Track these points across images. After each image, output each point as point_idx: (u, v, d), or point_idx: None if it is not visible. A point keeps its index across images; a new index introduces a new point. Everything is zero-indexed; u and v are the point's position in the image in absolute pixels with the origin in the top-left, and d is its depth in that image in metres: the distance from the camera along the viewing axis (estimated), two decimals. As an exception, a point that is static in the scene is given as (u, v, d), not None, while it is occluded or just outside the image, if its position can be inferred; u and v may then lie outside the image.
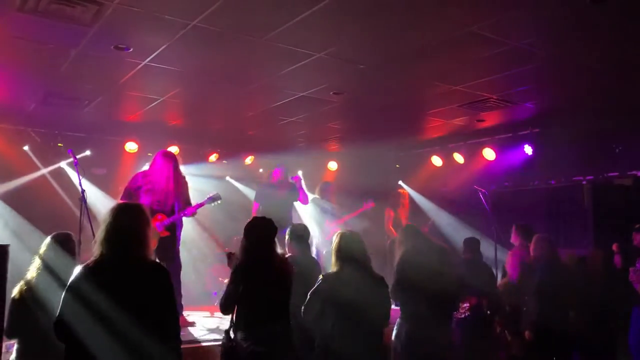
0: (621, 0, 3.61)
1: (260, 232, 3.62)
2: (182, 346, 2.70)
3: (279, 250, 3.73)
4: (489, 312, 4.99)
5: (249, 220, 3.80)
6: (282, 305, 3.50)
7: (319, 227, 7.56)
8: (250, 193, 8.52)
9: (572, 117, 6.93)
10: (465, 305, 4.93)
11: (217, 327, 5.47)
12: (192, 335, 4.96)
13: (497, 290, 5.45)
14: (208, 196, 5.63)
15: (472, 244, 5.57)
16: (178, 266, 5.51)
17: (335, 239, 3.77)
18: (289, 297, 3.54)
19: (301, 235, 4.46)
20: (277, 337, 3.40)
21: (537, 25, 4.13)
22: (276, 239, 3.67)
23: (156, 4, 3.80)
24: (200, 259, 8.15)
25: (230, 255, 3.83)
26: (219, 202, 5.65)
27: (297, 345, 3.58)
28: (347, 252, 3.61)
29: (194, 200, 5.68)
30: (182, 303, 5.51)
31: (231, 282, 3.53)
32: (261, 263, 3.50)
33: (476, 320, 4.96)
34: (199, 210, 5.58)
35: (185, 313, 5.56)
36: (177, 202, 5.49)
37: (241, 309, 3.49)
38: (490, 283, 5.37)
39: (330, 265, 3.81)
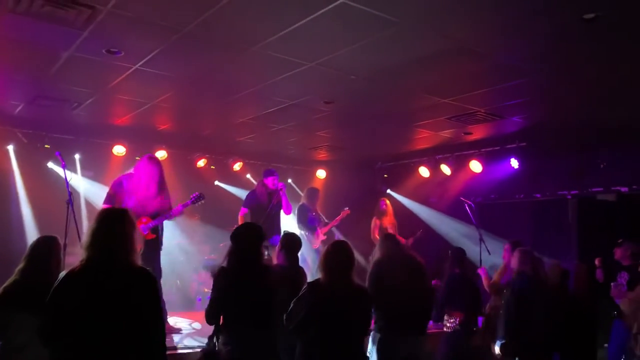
0: (610, 17, 3.69)
1: (249, 238, 3.63)
2: (167, 353, 2.68)
3: (266, 257, 3.74)
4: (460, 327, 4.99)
5: (237, 225, 3.81)
6: (264, 312, 3.49)
7: (303, 234, 7.57)
8: (239, 197, 8.46)
9: (558, 132, 7.03)
10: (452, 320, 4.93)
11: (202, 333, 5.44)
12: (177, 341, 4.92)
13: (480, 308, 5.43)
14: (191, 196, 5.61)
15: (458, 256, 5.52)
16: (159, 272, 5.47)
17: (325, 248, 3.79)
18: (273, 305, 3.53)
19: (292, 245, 4.47)
20: (259, 344, 3.40)
21: (527, 40, 4.20)
22: (264, 247, 3.68)
23: (149, 10, 3.80)
24: (186, 265, 8.10)
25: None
26: (202, 201, 5.64)
27: (280, 353, 3.58)
28: (335, 261, 3.62)
29: (176, 203, 5.65)
30: (167, 309, 5.47)
31: (214, 288, 3.52)
32: (245, 269, 3.50)
33: (460, 335, 4.99)
34: (186, 214, 5.56)
35: (171, 319, 5.53)
36: (161, 205, 5.47)
37: (225, 312, 3.48)
38: (474, 299, 5.29)
39: (316, 273, 3.83)
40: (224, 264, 3.57)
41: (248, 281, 3.46)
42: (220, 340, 3.45)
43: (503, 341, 4.59)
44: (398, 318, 4.04)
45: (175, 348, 4.56)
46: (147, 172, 5.42)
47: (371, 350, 4.12)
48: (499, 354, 4.63)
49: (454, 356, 4.85)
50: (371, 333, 4.14)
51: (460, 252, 5.53)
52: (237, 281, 3.46)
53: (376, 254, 4.36)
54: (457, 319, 4.90)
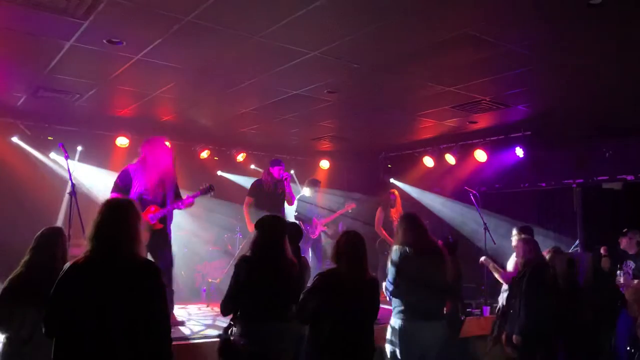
0: (617, 3, 3.63)
1: (275, 228, 3.60)
2: (172, 344, 2.67)
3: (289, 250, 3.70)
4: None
5: (261, 216, 3.77)
6: (284, 304, 3.45)
7: (303, 224, 7.56)
8: (244, 187, 8.43)
9: (564, 120, 6.98)
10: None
11: (207, 323, 5.45)
12: (182, 332, 4.93)
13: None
14: (201, 188, 5.55)
15: (450, 245, 5.49)
16: (170, 261, 5.44)
17: (338, 238, 3.77)
18: (293, 298, 3.47)
19: (293, 234, 4.43)
20: (276, 337, 3.36)
21: (532, 27, 4.16)
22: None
23: (150, -1, 3.77)
24: (190, 256, 8.10)
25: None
26: (212, 193, 5.58)
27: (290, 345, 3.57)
28: (348, 251, 3.61)
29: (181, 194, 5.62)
30: (174, 299, 5.45)
31: (234, 276, 3.45)
32: (269, 259, 3.46)
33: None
34: (191, 205, 5.52)
35: (175, 310, 5.52)
36: (169, 193, 5.40)
37: (242, 302, 3.44)
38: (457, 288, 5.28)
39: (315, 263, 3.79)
40: (247, 253, 3.55)
41: (270, 272, 3.42)
42: (236, 332, 3.40)
43: (523, 332, 4.58)
44: (420, 304, 4.01)
45: (181, 339, 4.55)
46: (157, 157, 5.32)
47: (392, 338, 4.08)
48: (517, 344, 4.62)
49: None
50: (391, 321, 4.12)
51: (450, 240, 5.53)
52: (258, 271, 3.41)
53: (396, 237, 4.28)
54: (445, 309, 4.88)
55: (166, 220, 5.37)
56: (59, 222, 7.15)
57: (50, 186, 7.63)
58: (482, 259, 5.86)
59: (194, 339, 4.64)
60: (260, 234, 3.57)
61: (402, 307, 4.05)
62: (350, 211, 8.31)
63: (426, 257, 4.08)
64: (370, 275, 3.72)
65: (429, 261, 4.08)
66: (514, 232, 5.71)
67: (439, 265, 4.14)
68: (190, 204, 5.42)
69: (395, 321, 4.08)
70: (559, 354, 5.17)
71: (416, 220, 4.30)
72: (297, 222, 5.33)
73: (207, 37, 4.45)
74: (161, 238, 5.27)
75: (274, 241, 3.53)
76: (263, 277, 3.40)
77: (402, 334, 4.01)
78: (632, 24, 4.00)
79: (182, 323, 5.41)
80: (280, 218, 3.76)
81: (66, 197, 7.34)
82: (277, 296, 3.41)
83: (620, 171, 7.24)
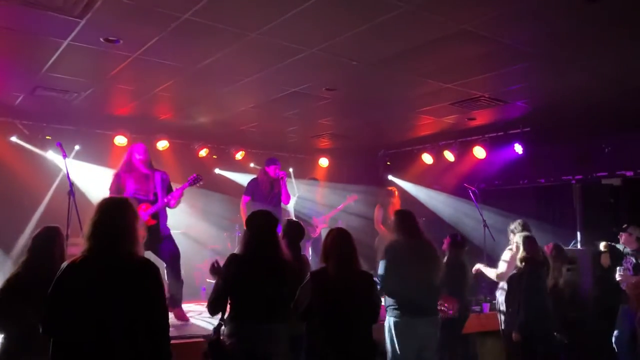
0: None
1: (264, 225, 3.57)
2: (171, 342, 2.66)
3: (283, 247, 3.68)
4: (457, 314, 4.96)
5: (250, 212, 3.75)
6: (277, 303, 3.43)
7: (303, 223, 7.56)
8: (243, 185, 8.42)
9: (563, 116, 6.97)
10: (446, 305, 4.89)
11: (207, 322, 5.44)
12: (181, 331, 4.92)
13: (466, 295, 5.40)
14: (189, 178, 5.62)
15: (458, 243, 5.49)
16: (173, 252, 5.52)
17: (325, 237, 3.76)
18: (287, 295, 3.45)
19: (295, 233, 4.43)
20: (267, 336, 3.34)
21: (531, 23, 4.14)
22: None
23: (147, -4, 3.75)
24: (190, 254, 8.09)
25: (214, 267, 3.65)
26: (201, 182, 5.67)
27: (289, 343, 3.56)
28: (335, 248, 3.59)
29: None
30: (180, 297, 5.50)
31: (222, 275, 3.43)
32: (260, 257, 3.43)
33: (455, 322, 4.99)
34: (191, 203, 5.56)
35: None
36: (160, 191, 5.49)
37: (232, 302, 3.43)
38: (464, 285, 5.29)
39: (315, 261, 3.79)
40: (236, 251, 3.52)
41: (260, 271, 3.39)
42: (225, 332, 3.39)
43: (522, 329, 4.59)
44: (413, 301, 4.02)
45: (180, 337, 4.54)
46: (137, 157, 5.52)
47: (388, 335, 4.09)
48: (517, 341, 4.62)
49: (448, 342, 4.83)
50: (386, 318, 4.13)
51: (458, 238, 5.54)
52: (247, 270, 3.39)
53: (390, 235, 4.31)
54: (452, 305, 4.86)
55: (159, 216, 5.45)
56: (39, 212, 7.29)
57: (49, 185, 7.62)
58: (475, 267, 5.88)
59: (193, 338, 4.63)
60: (250, 231, 3.55)
61: (394, 304, 4.08)
62: (353, 203, 8.31)
63: (417, 253, 4.10)
64: (365, 271, 3.69)
65: (420, 258, 4.10)
66: (515, 226, 5.61)
67: (430, 262, 4.16)
68: (180, 196, 5.49)
69: (388, 318, 4.10)
70: (560, 350, 5.17)
71: (409, 217, 4.34)
72: (297, 221, 5.33)
73: (205, 35, 4.43)
74: (155, 233, 5.34)
75: (265, 239, 3.50)
76: (254, 276, 3.37)
77: (395, 330, 4.03)
78: (631, 20, 3.98)
79: (187, 320, 5.46)
80: (270, 213, 3.70)
81: (50, 192, 7.45)
82: (270, 295, 3.37)
83: (619, 167, 7.23)
